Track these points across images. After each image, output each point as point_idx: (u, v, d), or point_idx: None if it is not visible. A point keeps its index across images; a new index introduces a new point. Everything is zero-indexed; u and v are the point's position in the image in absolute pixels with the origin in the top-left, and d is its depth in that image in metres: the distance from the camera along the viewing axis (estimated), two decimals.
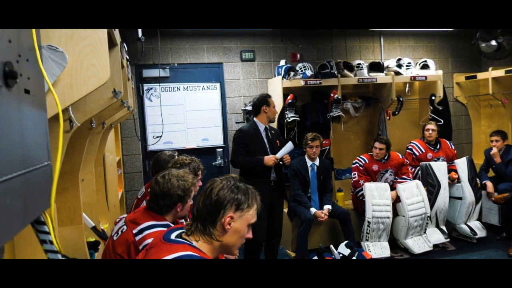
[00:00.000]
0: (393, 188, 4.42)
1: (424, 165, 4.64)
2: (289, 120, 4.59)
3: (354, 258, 3.83)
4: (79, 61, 1.31)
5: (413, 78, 5.10)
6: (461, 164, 4.69)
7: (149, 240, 1.65)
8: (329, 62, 4.79)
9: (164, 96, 4.69)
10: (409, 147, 4.92)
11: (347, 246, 3.94)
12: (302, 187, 4.26)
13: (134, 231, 1.91)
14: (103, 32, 1.36)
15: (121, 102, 2.39)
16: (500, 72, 4.97)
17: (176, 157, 2.77)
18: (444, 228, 4.61)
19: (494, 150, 4.68)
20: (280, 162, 3.61)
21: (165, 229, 1.60)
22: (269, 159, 3.52)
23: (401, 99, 5.05)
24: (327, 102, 4.88)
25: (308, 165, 4.29)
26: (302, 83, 4.64)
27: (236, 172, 3.86)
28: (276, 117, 4.11)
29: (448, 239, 4.54)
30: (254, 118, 3.72)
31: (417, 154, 4.83)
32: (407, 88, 5.31)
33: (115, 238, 2.00)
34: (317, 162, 4.32)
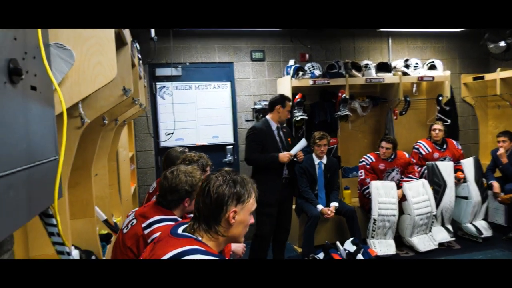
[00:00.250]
0: (399, 186, 4.48)
1: (431, 165, 4.70)
2: (297, 119, 4.68)
3: (359, 254, 3.91)
4: (86, 59, 1.33)
5: (421, 79, 5.15)
6: (468, 164, 4.74)
7: (157, 234, 1.65)
8: (337, 62, 4.87)
9: (176, 94, 4.82)
10: (416, 146, 4.98)
11: (353, 243, 4.02)
12: (310, 185, 4.35)
13: (143, 225, 1.94)
14: (110, 31, 1.38)
15: (132, 99, 2.44)
16: (508, 73, 4.99)
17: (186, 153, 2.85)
18: (449, 227, 4.66)
19: (501, 150, 4.72)
20: (295, 159, 3.70)
21: (173, 223, 1.61)
22: (284, 156, 3.62)
23: (408, 99, 5.11)
24: (335, 102, 4.96)
25: (316, 163, 4.38)
26: (310, 82, 4.73)
27: (248, 169, 3.95)
28: None
29: (454, 238, 4.59)
30: (267, 116, 3.80)
31: (424, 153, 4.89)
32: (414, 88, 5.36)
33: (125, 231, 2.03)
34: (324, 160, 4.40)
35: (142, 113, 4.22)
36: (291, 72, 4.72)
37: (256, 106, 4.97)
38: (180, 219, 1.96)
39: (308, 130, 4.80)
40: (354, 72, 4.91)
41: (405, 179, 4.62)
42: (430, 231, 4.48)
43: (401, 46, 5.60)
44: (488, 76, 5.37)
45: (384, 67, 5.08)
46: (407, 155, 4.72)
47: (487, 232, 4.63)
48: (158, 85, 4.81)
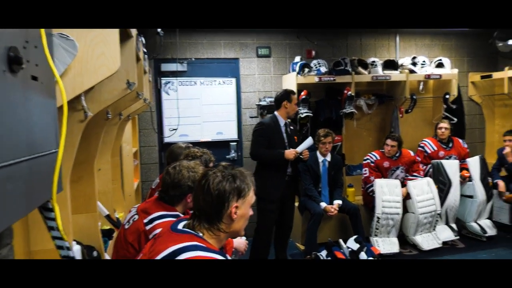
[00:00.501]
0: (403, 185, 4.46)
1: (436, 163, 4.67)
2: (302, 116, 4.66)
3: (362, 252, 3.90)
4: (90, 50, 1.31)
5: (428, 77, 5.11)
6: (473, 162, 4.71)
7: (159, 230, 1.63)
8: (344, 59, 4.83)
9: (181, 90, 4.82)
10: (421, 144, 4.95)
11: (356, 241, 4.01)
12: (313, 182, 4.34)
13: (145, 221, 1.93)
14: None
15: (137, 94, 2.43)
16: None
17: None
18: (454, 225, 4.64)
19: (507, 149, 4.68)
20: (300, 156, 3.69)
21: (174, 219, 1.59)
22: (290, 153, 3.61)
23: (414, 97, 5.07)
24: (340, 99, 4.93)
25: (320, 160, 4.36)
26: (316, 79, 4.71)
27: (251, 166, 3.94)
28: None
29: (458, 237, 4.56)
30: (275, 112, 3.79)
31: (429, 151, 4.86)
32: (421, 86, 5.32)
33: (126, 226, 2.02)
34: (328, 158, 4.38)
35: (146, 108, 4.22)
36: (297, 68, 4.70)
37: (261, 103, 4.96)
38: (182, 215, 1.95)
39: (313, 127, 4.78)
40: (360, 69, 4.88)
41: (409, 177, 4.59)
42: (434, 229, 4.46)
43: (409, 43, 5.55)
44: (496, 75, 5.31)
45: (391, 64, 5.04)
46: (412, 153, 4.70)
47: (491, 231, 4.60)
48: (163, 80, 4.81)
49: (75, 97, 1.35)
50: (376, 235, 4.31)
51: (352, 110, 4.85)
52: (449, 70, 5.21)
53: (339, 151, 4.95)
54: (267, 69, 5.08)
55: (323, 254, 3.98)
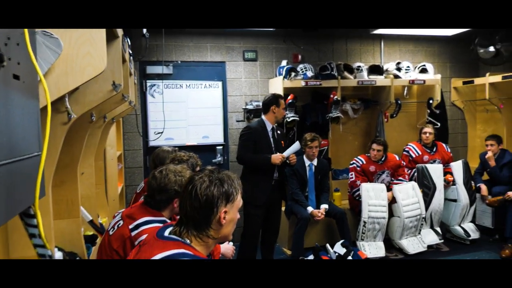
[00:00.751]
0: (389, 189, 4.49)
1: (421, 167, 4.71)
2: (288, 120, 4.65)
3: (349, 257, 3.90)
4: (75, 49, 1.26)
5: (412, 82, 5.17)
6: (457, 167, 4.77)
7: (145, 236, 1.59)
8: (330, 64, 4.87)
9: (166, 93, 4.76)
10: (406, 149, 5.00)
11: (342, 245, 4.01)
12: (300, 186, 4.33)
13: (130, 227, 1.88)
14: None
15: (122, 96, 2.38)
16: (497, 78, 5.04)
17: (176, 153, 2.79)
18: (438, 229, 4.69)
19: (489, 154, 4.76)
20: (287, 161, 3.68)
21: (161, 225, 1.55)
22: (276, 157, 3.58)
23: (399, 102, 5.12)
24: (326, 103, 4.94)
25: (306, 164, 4.36)
26: (302, 83, 4.71)
27: (238, 170, 3.91)
28: None
29: (442, 240, 4.62)
30: (263, 116, 3.77)
31: (414, 156, 4.91)
32: (405, 91, 5.39)
33: (111, 232, 1.96)
34: (315, 162, 4.38)
35: (132, 111, 4.15)
36: (284, 72, 4.70)
37: (247, 107, 4.94)
38: (168, 221, 1.91)
39: (299, 131, 4.78)
40: (346, 74, 4.91)
41: (395, 181, 4.63)
42: (419, 233, 4.50)
43: (393, 49, 5.62)
44: (478, 81, 5.41)
45: (376, 69, 5.09)
46: (397, 157, 4.74)
47: (474, 234, 4.67)
48: (149, 83, 4.74)
49: (58, 98, 1.29)
50: (362, 239, 4.32)
51: (338, 115, 4.87)
52: (432, 76, 5.29)
53: (325, 155, 4.96)
54: (254, 72, 5.06)
55: (310, 258, 3.96)
